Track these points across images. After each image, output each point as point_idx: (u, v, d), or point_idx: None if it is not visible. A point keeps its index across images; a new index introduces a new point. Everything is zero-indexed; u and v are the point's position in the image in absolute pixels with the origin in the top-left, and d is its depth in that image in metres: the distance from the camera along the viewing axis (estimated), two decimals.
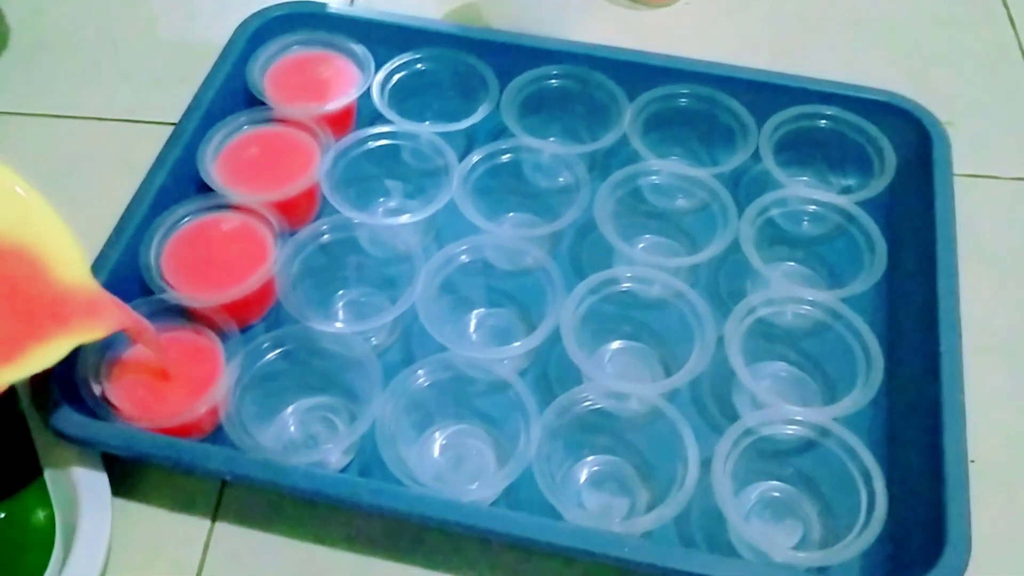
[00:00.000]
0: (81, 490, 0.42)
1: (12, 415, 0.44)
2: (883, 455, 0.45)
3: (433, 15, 0.66)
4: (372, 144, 0.53)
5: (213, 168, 0.52)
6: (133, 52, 0.64)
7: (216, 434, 0.45)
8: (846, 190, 0.55)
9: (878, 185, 0.52)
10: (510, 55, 0.57)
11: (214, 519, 0.44)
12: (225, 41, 0.57)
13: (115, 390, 0.44)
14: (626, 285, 0.48)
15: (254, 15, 0.59)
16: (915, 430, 0.45)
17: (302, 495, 0.42)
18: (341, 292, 0.51)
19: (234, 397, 0.43)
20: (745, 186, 0.55)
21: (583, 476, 0.45)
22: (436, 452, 0.46)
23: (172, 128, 0.53)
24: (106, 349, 0.45)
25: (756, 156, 0.53)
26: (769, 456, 0.45)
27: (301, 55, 0.58)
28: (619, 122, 0.54)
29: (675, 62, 0.56)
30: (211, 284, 0.47)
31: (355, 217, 0.50)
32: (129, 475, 0.45)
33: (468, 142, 0.56)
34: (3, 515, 0.43)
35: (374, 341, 0.49)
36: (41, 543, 0.42)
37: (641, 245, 0.54)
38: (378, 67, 0.56)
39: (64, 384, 0.43)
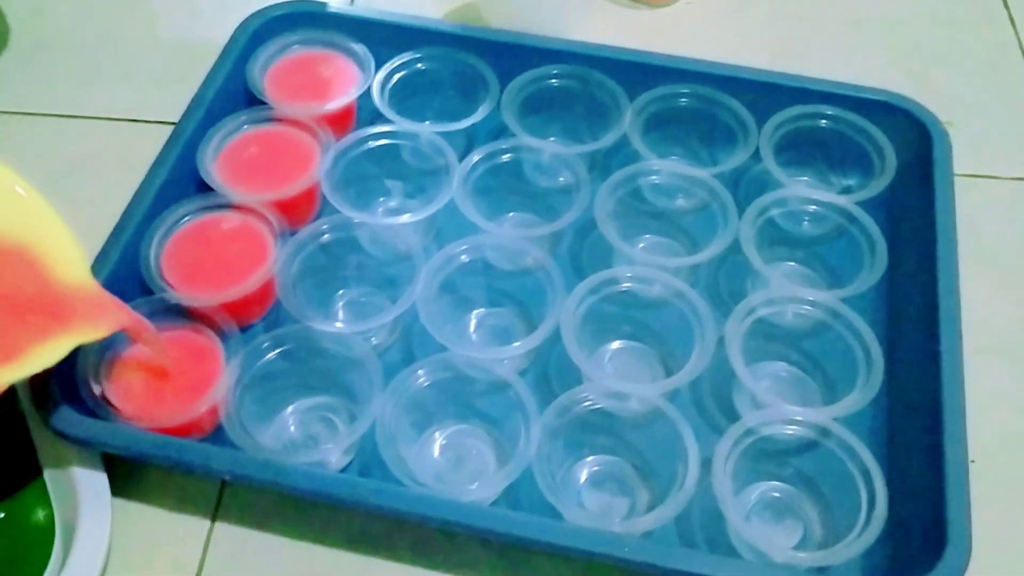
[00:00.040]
0: (81, 490, 0.42)
1: (12, 415, 0.44)
2: (883, 455, 0.45)
3: (433, 15, 0.66)
4: (372, 144, 0.53)
5: (213, 167, 0.52)
6: (133, 52, 0.64)
7: (216, 434, 0.45)
8: (846, 190, 0.55)
9: (878, 185, 0.52)
10: (510, 55, 0.57)
11: (214, 519, 0.44)
12: (225, 41, 0.57)
13: (115, 390, 0.44)
14: (626, 285, 0.48)
15: (254, 14, 0.59)
16: (915, 430, 0.45)
17: (302, 495, 0.42)
18: (341, 292, 0.51)
19: (234, 397, 0.43)
20: (745, 186, 0.55)
21: (583, 476, 0.45)
22: (436, 452, 0.46)
23: (172, 128, 0.53)
24: (106, 349, 0.45)
25: (756, 156, 0.53)
26: (769, 456, 0.45)
27: (301, 54, 0.58)
28: (619, 122, 0.54)
29: (676, 62, 0.56)
30: (211, 284, 0.47)
31: (355, 217, 0.50)
32: (129, 475, 0.45)
33: (468, 142, 0.56)
34: (3, 515, 0.43)
35: (374, 341, 0.49)
36: (41, 543, 0.42)
37: (641, 245, 0.54)
38: (378, 67, 0.56)
39: (64, 384, 0.43)
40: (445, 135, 0.53)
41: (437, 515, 0.40)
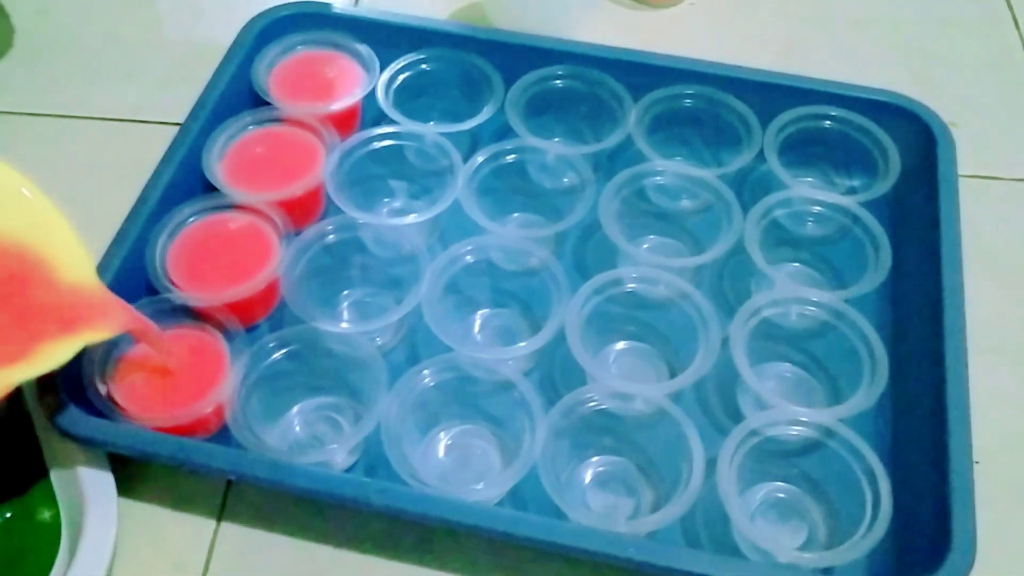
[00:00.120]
0: (87, 489, 0.42)
1: (18, 414, 0.44)
2: (888, 456, 0.45)
3: (438, 15, 0.66)
4: (377, 144, 0.54)
5: (218, 168, 0.52)
6: (138, 52, 0.64)
7: (221, 434, 0.45)
8: (851, 191, 0.55)
9: (883, 186, 0.52)
10: (515, 55, 0.57)
11: (219, 519, 0.44)
12: (230, 41, 0.57)
13: (121, 390, 0.44)
14: (631, 286, 0.48)
15: (259, 15, 0.59)
16: (920, 431, 0.45)
17: (307, 495, 0.42)
18: (346, 292, 0.51)
19: (239, 397, 0.43)
20: (750, 187, 0.55)
21: (588, 476, 0.45)
22: (441, 452, 0.46)
23: (177, 128, 0.53)
24: (112, 349, 0.45)
25: (761, 157, 0.53)
26: (774, 457, 0.45)
27: (306, 55, 0.58)
28: (624, 123, 0.54)
29: (680, 62, 0.56)
30: (216, 284, 0.47)
31: (360, 217, 0.50)
32: (135, 474, 0.45)
33: (473, 142, 0.56)
34: (9, 514, 0.43)
35: (379, 341, 0.49)
36: (47, 542, 0.42)
37: (646, 246, 0.54)
38: (383, 67, 0.56)
39: (70, 384, 0.43)
40: (449, 136, 0.53)
41: (442, 515, 0.40)
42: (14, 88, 0.62)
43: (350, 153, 0.53)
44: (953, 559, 0.39)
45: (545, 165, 0.54)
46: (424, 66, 0.57)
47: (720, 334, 0.46)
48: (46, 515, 0.43)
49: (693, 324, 0.47)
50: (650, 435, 0.45)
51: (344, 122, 0.56)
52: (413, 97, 0.56)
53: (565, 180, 0.54)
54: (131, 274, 0.47)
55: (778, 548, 0.41)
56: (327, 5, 0.60)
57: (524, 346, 0.46)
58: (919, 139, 0.54)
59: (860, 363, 0.46)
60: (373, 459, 0.45)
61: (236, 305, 0.47)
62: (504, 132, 0.55)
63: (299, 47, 0.58)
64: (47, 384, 0.43)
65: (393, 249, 0.50)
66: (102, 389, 0.43)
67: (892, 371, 0.45)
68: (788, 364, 0.49)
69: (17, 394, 0.44)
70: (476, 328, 0.50)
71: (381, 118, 0.55)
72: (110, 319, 0.40)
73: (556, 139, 0.56)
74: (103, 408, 0.43)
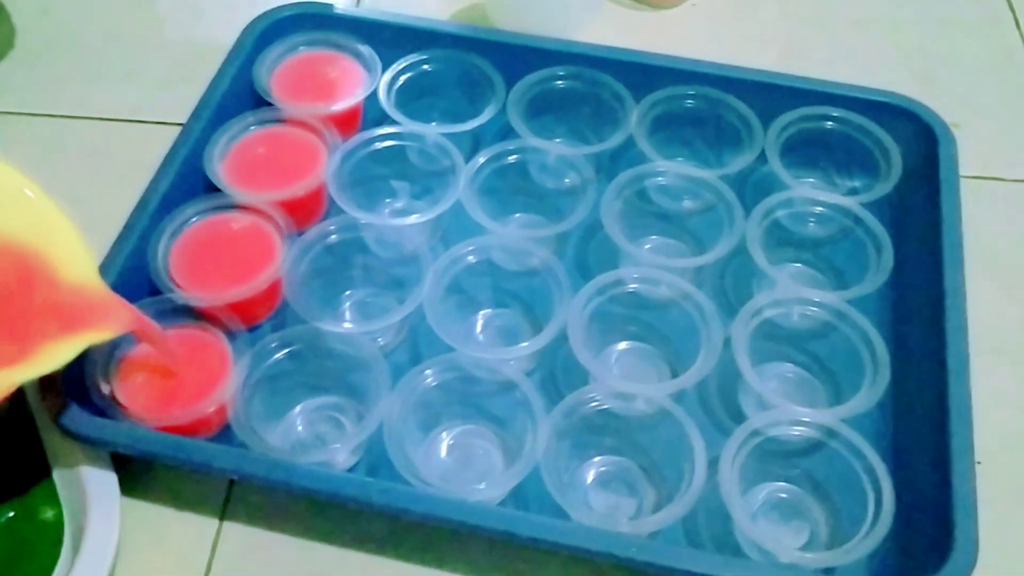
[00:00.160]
0: (90, 489, 0.42)
1: (21, 415, 0.44)
2: (890, 456, 0.45)
3: (439, 16, 0.66)
4: (379, 145, 0.54)
5: (220, 168, 0.52)
6: (139, 53, 0.64)
7: (224, 433, 0.45)
8: (852, 192, 0.55)
9: (884, 187, 0.52)
10: (516, 56, 0.57)
11: (222, 518, 0.44)
12: (232, 41, 0.58)
13: (123, 389, 0.44)
14: (632, 286, 0.48)
15: (261, 16, 0.59)
16: (922, 431, 0.45)
17: (310, 494, 0.42)
18: (348, 292, 0.51)
19: (242, 396, 0.43)
20: (751, 187, 0.55)
21: (590, 476, 0.45)
22: (443, 452, 0.46)
23: (179, 128, 0.53)
24: (114, 349, 0.45)
25: (762, 157, 0.53)
26: (776, 457, 0.45)
27: (308, 56, 0.58)
28: (625, 123, 0.54)
29: (681, 63, 0.56)
30: (218, 284, 0.47)
31: (362, 217, 0.50)
32: (137, 474, 0.45)
33: (474, 143, 0.56)
34: (12, 514, 0.43)
35: (381, 341, 0.49)
36: (49, 542, 0.42)
37: (647, 246, 0.54)
38: (385, 68, 0.56)
39: (73, 384, 0.43)
40: (451, 136, 0.53)
41: (444, 515, 0.40)
42: (15, 88, 0.62)
43: (352, 153, 0.53)
44: (955, 559, 0.39)
45: (547, 166, 0.54)
46: (426, 67, 0.57)
47: (722, 334, 0.46)
48: (48, 515, 0.43)
49: (695, 324, 0.47)
50: (652, 435, 0.46)
51: (346, 122, 0.56)
52: (415, 98, 0.56)
53: (567, 180, 0.54)
54: (133, 274, 0.47)
55: (780, 548, 0.41)
56: (329, 6, 0.60)
57: (526, 346, 0.46)
58: (921, 140, 0.54)
59: (862, 363, 0.46)
60: (375, 459, 0.45)
61: (238, 305, 0.47)
62: (506, 132, 0.55)
63: (301, 47, 0.58)
64: (50, 384, 0.43)
65: (395, 249, 0.50)
66: (105, 389, 0.43)
67: (894, 371, 0.45)
68: (790, 364, 0.49)
69: (19, 394, 0.44)
70: (478, 328, 0.50)
71: (383, 119, 0.55)
72: (112, 319, 0.40)
73: (558, 140, 0.56)
74: (105, 408, 0.43)
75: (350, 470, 0.45)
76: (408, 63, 0.57)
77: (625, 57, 0.57)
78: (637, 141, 0.54)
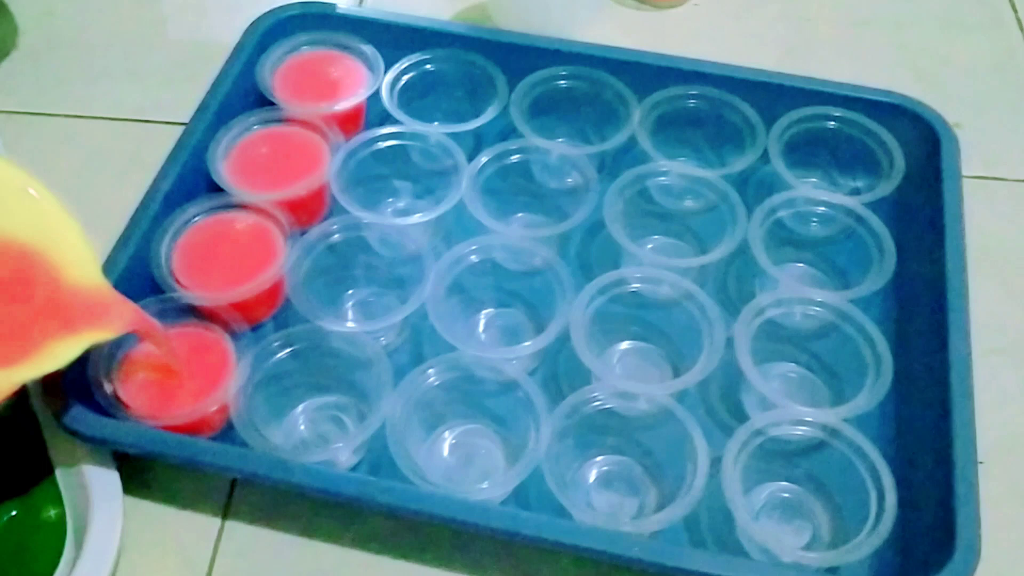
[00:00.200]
0: (92, 488, 0.42)
1: (23, 414, 0.44)
2: (892, 456, 0.45)
3: (442, 16, 0.66)
4: (381, 144, 0.54)
5: (223, 167, 0.52)
6: (142, 52, 0.64)
7: (226, 432, 0.45)
8: (855, 191, 0.55)
9: (886, 187, 0.53)
10: (519, 56, 0.57)
11: (224, 517, 0.44)
12: (234, 41, 0.58)
13: (126, 388, 0.44)
14: (635, 286, 0.48)
15: (264, 15, 0.59)
16: (924, 431, 0.45)
17: (312, 493, 0.42)
18: (350, 291, 0.51)
19: (244, 395, 0.43)
20: (754, 187, 0.55)
21: (592, 476, 0.45)
22: (445, 451, 0.46)
23: (181, 128, 0.53)
24: (117, 348, 0.45)
25: (765, 157, 0.53)
26: (778, 457, 0.45)
27: (310, 55, 0.58)
28: (628, 123, 0.54)
29: (684, 63, 0.57)
30: (221, 283, 0.47)
31: (364, 217, 0.50)
32: (140, 473, 0.45)
33: (477, 143, 0.56)
34: (14, 513, 0.43)
35: (383, 341, 0.49)
36: (52, 541, 0.42)
37: (650, 246, 0.54)
38: (387, 67, 0.56)
39: (75, 383, 0.43)
40: (454, 136, 0.53)
41: (447, 514, 0.40)
42: (18, 88, 0.62)
43: (354, 153, 0.53)
44: (957, 559, 0.39)
45: (549, 165, 0.54)
46: (428, 66, 0.57)
47: (724, 334, 0.46)
48: (51, 513, 0.43)
49: (697, 324, 0.47)
50: (654, 435, 0.46)
51: (348, 122, 0.56)
52: (417, 97, 0.56)
53: (569, 180, 0.54)
54: (136, 273, 0.47)
55: (782, 548, 0.41)
56: (331, 5, 0.60)
57: (528, 346, 0.46)
58: (923, 140, 0.54)
59: (864, 363, 0.46)
60: (377, 458, 0.45)
61: (241, 304, 0.47)
62: (508, 132, 0.55)
63: (304, 47, 0.58)
64: (52, 383, 0.43)
65: (397, 249, 0.50)
66: (107, 388, 0.43)
67: (896, 371, 0.45)
68: (792, 364, 0.49)
69: (22, 393, 0.44)
70: (480, 328, 0.51)
71: (385, 118, 0.55)
72: (115, 318, 0.40)
73: (560, 139, 0.56)
74: (108, 407, 0.43)
75: (352, 469, 0.45)
76: (411, 63, 0.57)
77: (627, 57, 0.57)
78: (639, 141, 0.54)
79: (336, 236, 0.50)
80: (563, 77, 0.56)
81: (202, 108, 0.54)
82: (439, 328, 0.45)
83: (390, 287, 0.51)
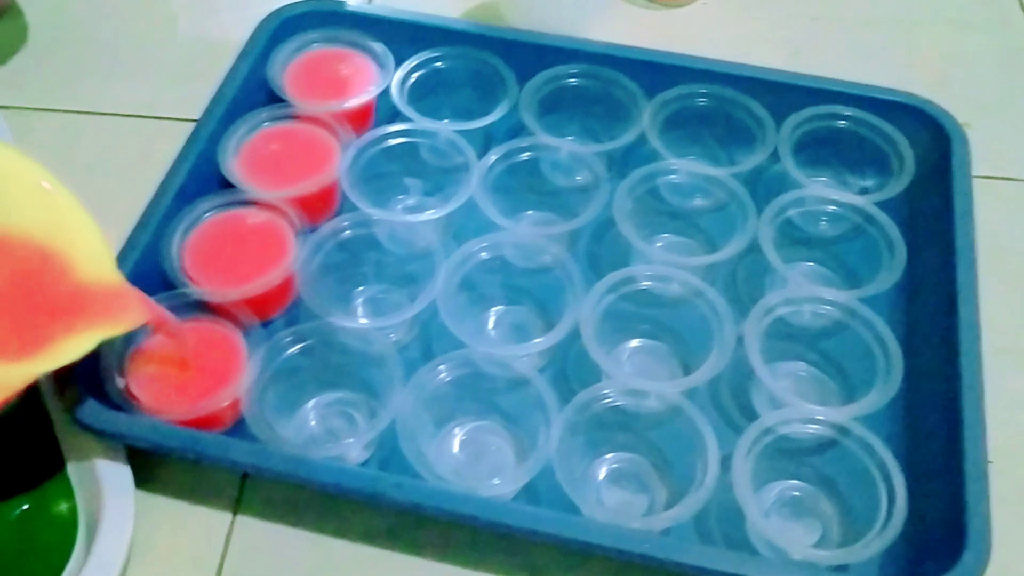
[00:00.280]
0: (104, 482, 0.42)
1: (36, 408, 0.44)
2: (902, 455, 0.45)
3: (452, 13, 0.66)
4: (391, 141, 0.54)
5: (234, 164, 0.52)
6: (152, 48, 0.65)
7: (238, 427, 0.45)
8: (864, 191, 0.55)
9: (896, 186, 0.53)
10: (529, 54, 0.57)
11: (235, 512, 0.45)
12: (244, 38, 0.58)
13: (138, 383, 0.44)
14: (644, 283, 0.49)
15: (274, 12, 0.59)
16: (935, 430, 0.45)
17: (323, 488, 0.42)
18: (361, 288, 0.51)
19: (256, 391, 0.44)
20: (763, 186, 0.55)
21: (602, 473, 0.46)
22: (455, 448, 0.46)
23: (192, 124, 0.53)
24: (129, 343, 0.45)
25: (774, 156, 0.53)
26: (788, 455, 0.45)
27: (321, 52, 0.58)
28: (637, 121, 0.54)
29: (693, 62, 0.57)
30: (232, 279, 0.47)
31: (374, 214, 0.50)
32: (151, 467, 0.45)
33: (486, 140, 0.56)
34: (26, 507, 0.43)
35: (393, 337, 0.49)
36: (64, 535, 0.42)
37: (659, 244, 0.54)
38: (397, 65, 0.57)
39: (88, 377, 0.43)
40: (463, 133, 0.54)
41: (457, 509, 0.40)
42: (29, 84, 0.62)
43: (364, 150, 0.53)
44: (968, 558, 0.39)
45: (559, 163, 0.54)
46: (438, 64, 0.57)
47: (734, 332, 0.46)
48: (63, 508, 0.43)
49: (707, 322, 0.47)
50: (664, 432, 0.46)
51: (358, 119, 0.56)
52: (427, 95, 0.57)
53: (579, 178, 0.54)
54: (147, 269, 0.47)
55: (792, 546, 0.41)
56: (341, 3, 0.60)
57: (538, 343, 0.46)
58: (933, 139, 0.54)
59: (874, 362, 0.46)
60: (388, 454, 0.45)
61: (252, 300, 0.47)
62: (518, 130, 0.56)
63: (314, 44, 0.58)
64: (65, 377, 0.43)
65: (407, 246, 0.51)
66: (120, 383, 0.44)
67: (906, 370, 0.45)
68: (802, 363, 0.49)
69: (34, 387, 0.44)
70: (490, 325, 0.51)
71: (395, 115, 0.55)
72: (130, 313, 0.40)
73: (570, 137, 0.56)
74: (120, 401, 0.43)
75: (363, 465, 0.45)
76: (421, 60, 0.57)
77: (637, 55, 0.57)
78: (649, 139, 0.54)
79: (346, 233, 0.50)
80: (573, 75, 0.56)
81: (213, 105, 0.54)
82: (449, 325, 0.46)
83: (400, 284, 0.51)
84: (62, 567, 0.41)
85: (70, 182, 0.39)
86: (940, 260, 0.50)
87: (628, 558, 0.40)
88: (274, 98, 0.55)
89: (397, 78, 0.56)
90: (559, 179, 0.55)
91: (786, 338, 0.49)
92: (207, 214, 0.50)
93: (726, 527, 0.44)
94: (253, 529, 0.44)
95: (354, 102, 0.55)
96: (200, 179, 0.51)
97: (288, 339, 0.45)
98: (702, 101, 0.56)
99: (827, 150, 0.55)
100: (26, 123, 0.60)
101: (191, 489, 0.45)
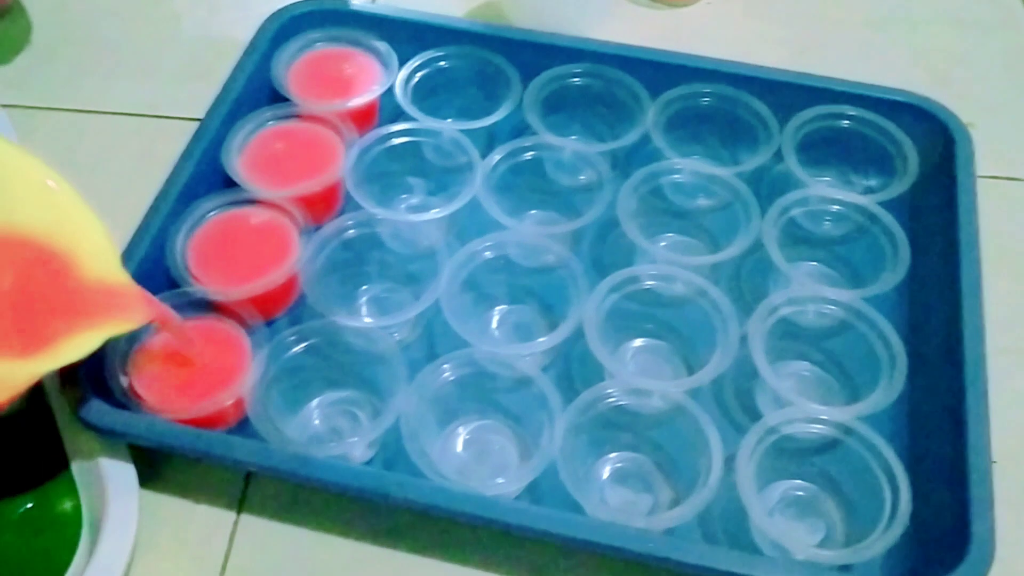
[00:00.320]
0: (108, 481, 0.42)
1: (39, 406, 0.44)
2: (906, 455, 0.45)
3: (456, 13, 0.66)
4: (395, 141, 0.54)
5: (238, 163, 0.52)
6: (156, 48, 0.65)
7: (242, 426, 0.45)
8: (868, 190, 0.55)
9: (900, 186, 0.52)
10: (533, 53, 0.57)
11: (239, 511, 0.45)
12: (248, 37, 0.58)
13: (142, 382, 0.44)
14: (648, 283, 0.48)
15: (278, 11, 0.59)
16: (938, 430, 0.45)
17: (327, 487, 0.42)
18: (365, 287, 0.51)
19: (260, 390, 0.44)
20: (767, 185, 0.55)
21: (606, 472, 0.46)
22: (459, 447, 0.46)
23: (196, 123, 0.54)
24: (134, 341, 0.45)
25: (778, 155, 0.53)
26: (792, 454, 0.45)
27: (325, 52, 0.58)
28: (641, 121, 0.54)
29: (697, 61, 0.57)
30: (237, 278, 0.47)
31: (378, 213, 0.50)
32: (155, 466, 0.45)
33: (490, 140, 0.56)
34: (30, 505, 0.43)
35: (397, 336, 0.49)
36: (68, 533, 0.42)
37: (663, 243, 0.54)
38: (401, 64, 0.57)
39: (92, 376, 0.43)
40: (467, 133, 0.54)
41: (461, 508, 0.40)
42: (33, 83, 0.62)
43: (368, 149, 0.53)
44: (971, 558, 0.39)
45: (562, 162, 0.54)
46: (442, 63, 0.57)
47: (738, 332, 0.46)
48: (67, 506, 0.43)
49: (711, 322, 0.47)
50: (668, 432, 0.46)
51: (362, 118, 0.56)
52: (431, 94, 0.57)
53: (582, 177, 0.54)
54: (152, 268, 0.47)
55: (796, 545, 0.41)
56: (345, 2, 0.60)
57: (542, 342, 0.46)
58: (937, 139, 0.54)
59: (878, 362, 0.46)
60: (391, 453, 0.45)
61: (256, 299, 0.47)
62: (521, 129, 0.56)
63: (318, 43, 0.58)
64: (69, 376, 0.43)
65: (411, 245, 0.51)
66: (124, 381, 0.44)
67: (910, 370, 0.45)
68: (806, 362, 0.49)
69: (38, 386, 0.44)
70: (494, 324, 0.51)
71: (399, 115, 0.55)
72: (135, 310, 0.40)
73: (573, 137, 0.56)
74: (125, 400, 0.43)
75: (367, 464, 0.45)
76: (424, 59, 0.57)
77: (641, 55, 0.57)
78: (653, 138, 0.54)
79: (350, 232, 0.50)
80: (576, 75, 0.56)
81: (217, 104, 0.54)
82: (453, 324, 0.46)
83: (404, 283, 0.51)
84: (66, 566, 0.41)
85: (74, 181, 0.40)
86: (944, 260, 0.49)
87: (632, 557, 0.40)
88: (278, 97, 0.55)
89: (401, 77, 0.56)
90: (563, 178, 0.55)
91: (790, 338, 0.49)
92: (211, 213, 0.50)
93: (730, 527, 0.44)
94: (257, 528, 0.44)
95: (358, 101, 0.55)
96: (204, 178, 0.51)
97: (292, 338, 0.45)
98: (706, 101, 0.56)
99: (831, 150, 0.55)
100: (30, 122, 0.60)
101: (195, 488, 0.45)
